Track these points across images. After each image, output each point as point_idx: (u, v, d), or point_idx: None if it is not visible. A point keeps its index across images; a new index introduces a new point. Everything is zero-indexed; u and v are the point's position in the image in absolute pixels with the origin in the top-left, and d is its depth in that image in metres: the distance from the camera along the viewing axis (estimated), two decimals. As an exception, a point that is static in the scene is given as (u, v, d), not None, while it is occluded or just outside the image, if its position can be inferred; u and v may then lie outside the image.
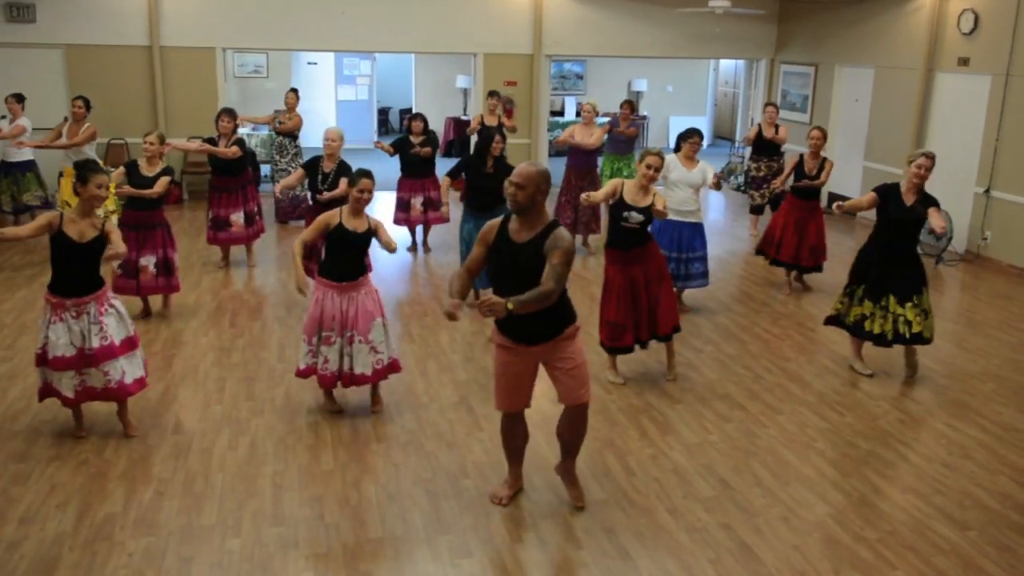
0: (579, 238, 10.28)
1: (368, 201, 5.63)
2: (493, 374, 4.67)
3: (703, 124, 19.37)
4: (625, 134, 11.07)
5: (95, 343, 5.18)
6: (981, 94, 10.23)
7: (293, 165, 11.21)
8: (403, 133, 10.44)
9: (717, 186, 7.76)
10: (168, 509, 4.64)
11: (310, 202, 7.81)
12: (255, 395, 6.13)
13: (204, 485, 4.90)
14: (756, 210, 11.48)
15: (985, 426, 5.92)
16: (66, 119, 10.13)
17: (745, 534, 4.54)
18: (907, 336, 6.40)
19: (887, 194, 6.48)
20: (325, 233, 5.56)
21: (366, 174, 5.66)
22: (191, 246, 10.05)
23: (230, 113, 9.19)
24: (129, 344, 5.34)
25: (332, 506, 4.72)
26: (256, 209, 9.41)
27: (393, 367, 5.84)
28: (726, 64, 19.56)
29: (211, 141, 9.13)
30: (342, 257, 5.60)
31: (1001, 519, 4.76)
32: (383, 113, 20.33)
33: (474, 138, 13.40)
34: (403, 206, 10.07)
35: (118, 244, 5.26)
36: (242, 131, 14.42)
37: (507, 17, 13.34)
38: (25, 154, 10.39)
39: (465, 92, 18.19)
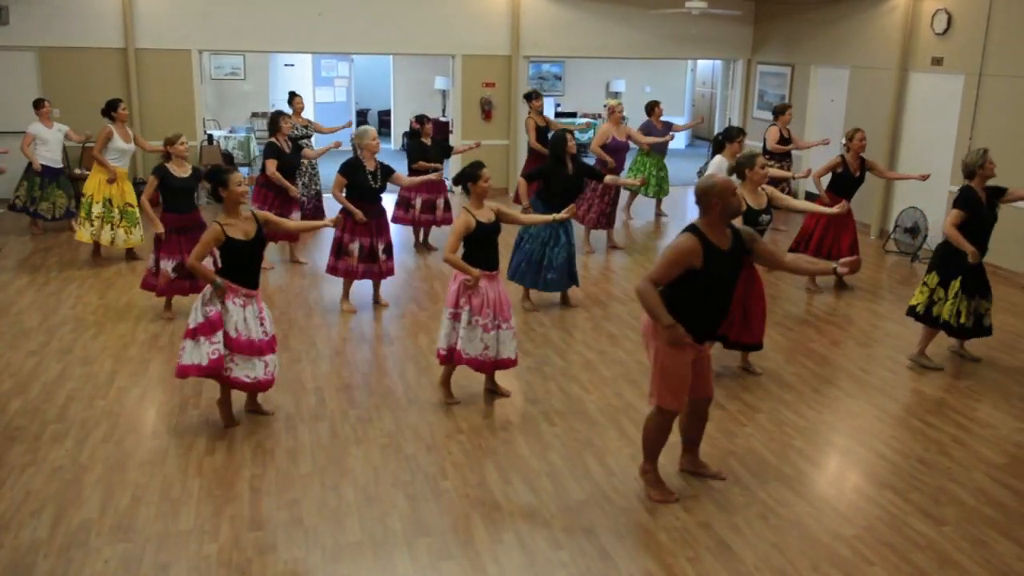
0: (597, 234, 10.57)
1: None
2: (673, 384, 4.65)
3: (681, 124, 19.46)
4: (691, 126, 11.32)
5: (260, 335, 5.48)
6: (955, 94, 10.33)
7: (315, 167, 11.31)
8: (411, 134, 10.46)
9: None
10: (145, 515, 4.60)
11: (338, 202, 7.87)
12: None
13: (181, 490, 4.86)
14: None
15: (961, 423, 5.98)
16: (49, 120, 10.14)
17: (724, 532, 4.56)
18: (983, 326, 6.80)
19: (973, 200, 6.61)
20: (465, 236, 5.77)
21: (483, 164, 5.97)
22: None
23: (284, 114, 9.45)
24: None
25: (311, 510, 4.70)
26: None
27: None
28: (703, 65, 19.65)
29: (272, 146, 9.16)
30: (486, 250, 5.86)
31: (976, 514, 4.81)
32: (362, 115, 20.24)
33: (457, 140, 13.46)
34: (406, 205, 10.14)
35: (280, 220, 5.94)
36: (218, 133, 14.36)
37: (485, 18, 13.34)
38: (59, 160, 10.50)
39: (443, 94, 18.17)
